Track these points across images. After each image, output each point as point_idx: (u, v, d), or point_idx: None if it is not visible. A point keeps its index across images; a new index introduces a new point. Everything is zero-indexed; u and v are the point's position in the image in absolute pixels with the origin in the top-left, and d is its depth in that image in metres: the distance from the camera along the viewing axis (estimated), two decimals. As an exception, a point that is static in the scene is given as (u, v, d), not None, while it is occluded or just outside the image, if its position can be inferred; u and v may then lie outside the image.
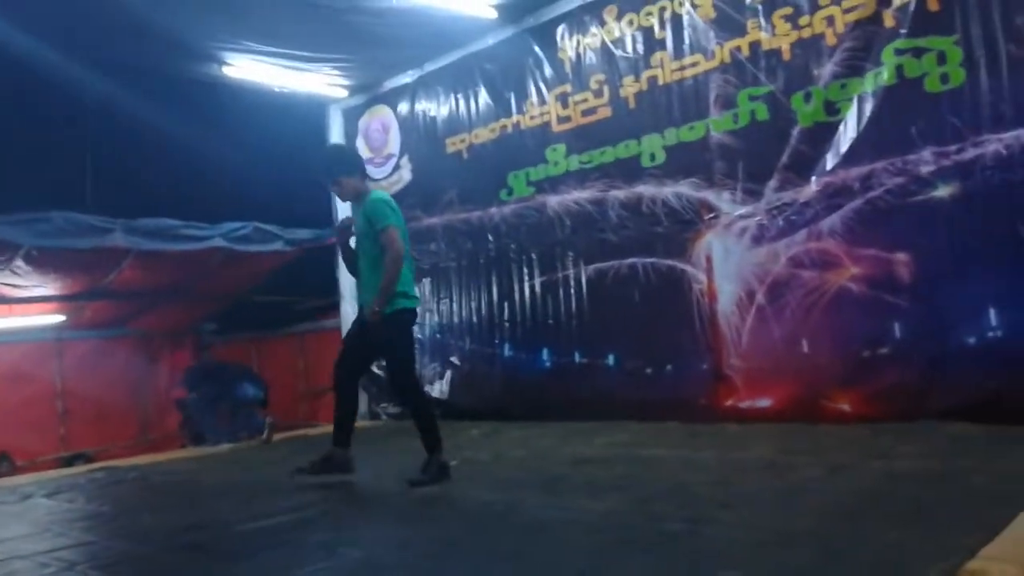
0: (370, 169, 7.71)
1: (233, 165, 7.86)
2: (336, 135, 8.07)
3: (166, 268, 7.89)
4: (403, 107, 7.43)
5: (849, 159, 4.74)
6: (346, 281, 7.95)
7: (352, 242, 4.19)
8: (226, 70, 6.77)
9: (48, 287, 7.76)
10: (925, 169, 4.45)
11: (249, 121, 7.67)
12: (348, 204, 4.34)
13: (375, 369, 7.29)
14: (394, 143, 7.51)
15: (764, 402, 5.02)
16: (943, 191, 4.40)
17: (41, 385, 8.63)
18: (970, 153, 4.32)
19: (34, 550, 3.20)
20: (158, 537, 3.35)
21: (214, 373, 7.69)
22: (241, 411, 6.93)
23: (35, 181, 6.87)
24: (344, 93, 7.79)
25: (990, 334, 4.22)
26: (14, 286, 7.46)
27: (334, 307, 8.23)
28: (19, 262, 6.95)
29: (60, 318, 8.51)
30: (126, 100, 7.36)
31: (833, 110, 4.82)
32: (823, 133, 4.85)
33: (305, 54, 6.72)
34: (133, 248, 7.19)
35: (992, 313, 4.22)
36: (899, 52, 4.55)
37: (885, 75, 4.61)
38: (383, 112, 7.63)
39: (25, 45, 5.81)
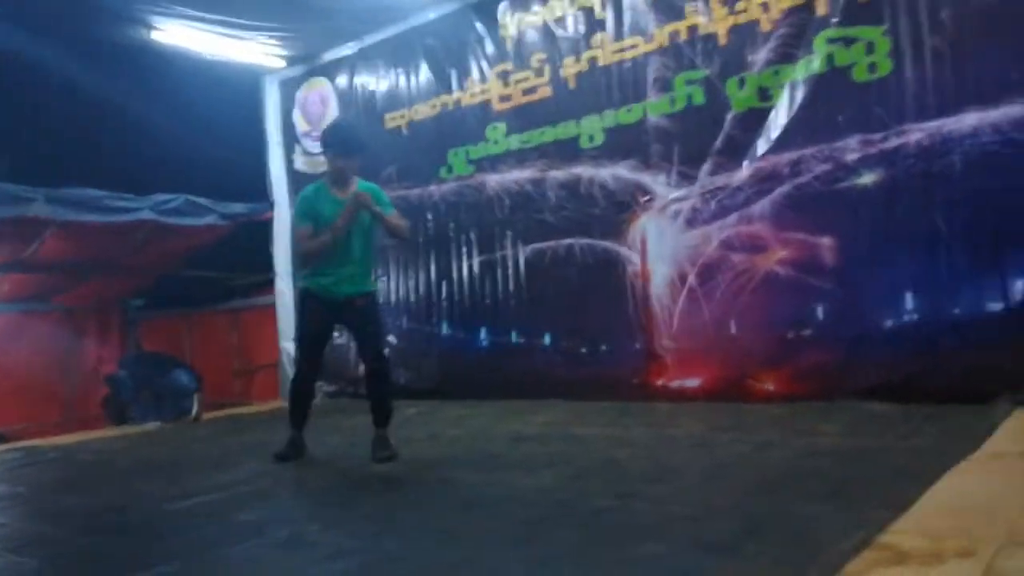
0: (307, 143, 7.57)
1: (163, 134, 7.60)
2: (272, 106, 7.86)
3: (91, 240, 7.59)
4: (342, 80, 7.27)
5: (779, 145, 4.84)
6: (282, 258, 7.80)
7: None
8: (155, 35, 6.50)
9: (-37, 259, 7.39)
10: (851, 157, 4.58)
11: (181, 89, 7.41)
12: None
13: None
14: (332, 116, 7.35)
15: (693, 382, 5.14)
16: (867, 178, 4.54)
17: (-44, 361, 8.24)
18: (894, 142, 4.46)
19: (-57, 532, 3.07)
20: (77, 518, 3.25)
21: (150, 360, 7.50)
22: (171, 396, 6.75)
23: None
24: (281, 64, 7.59)
25: (906, 317, 4.40)
26: (-75, 257, 7.09)
27: (269, 283, 8.07)
28: (-70, 232, 6.61)
29: (-25, 292, 8.13)
30: (49, 63, 7.01)
31: (766, 96, 4.91)
32: (755, 119, 4.94)
33: (240, 21, 6.50)
34: (56, 219, 6.88)
35: (908, 297, 4.40)
36: (830, 40, 4.66)
37: (816, 63, 4.72)
38: (321, 85, 7.46)
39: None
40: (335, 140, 4.09)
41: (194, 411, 6.51)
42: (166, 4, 6.08)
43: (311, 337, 4.19)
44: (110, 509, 3.31)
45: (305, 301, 4.19)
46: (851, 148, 4.58)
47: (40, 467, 4.72)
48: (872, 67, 4.54)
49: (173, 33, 6.55)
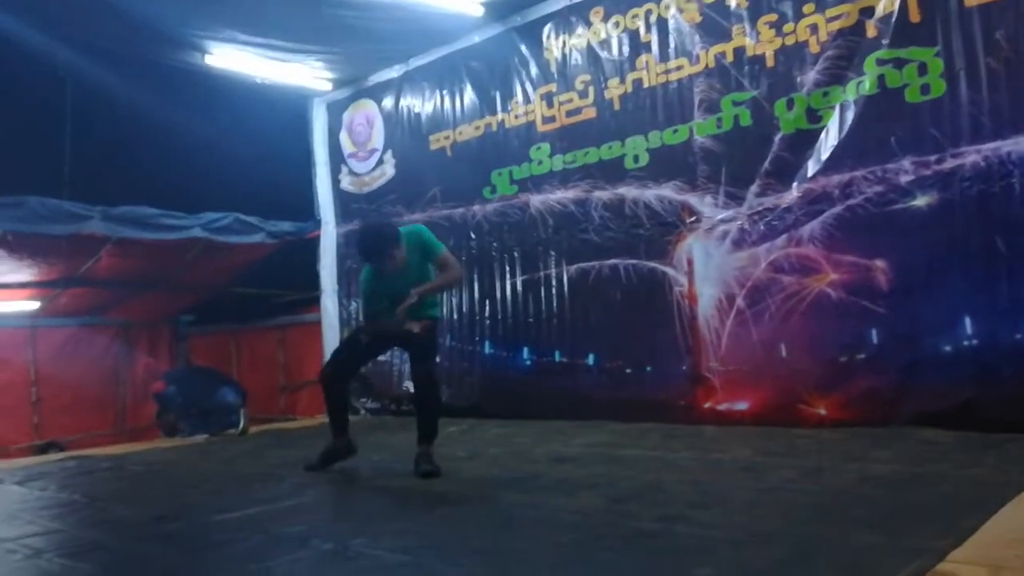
0: (353, 163, 7.71)
1: (214, 155, 7.80)
2: (319, 128, 8.04)
3: (144, 257, 7.80)
4: (388, 102, 7.40)
5: (830, 166, 4.79)
6: (327, 276, 7.93)
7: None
8: (208, 59, 6.71)
9: (23, 273, 7.64)
10: (904, 178, 4.51)
11: (232, 111, 7.62)
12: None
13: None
14: (378, 138, 7.49)
15: (742, 405, 5.06)
16: (921, 201, 4.46)
17: (15, 372, 8.49)
18: (949, 164, 4.37)
19: (1, 536, 3.16)
20: (129, 526, 3.32)
21: (196, 375, 7.61)
22: (218, 411, 6.86)
23: (12, 165, 6.76)
24: (328, 86, 7.76)
25: (964, 342, 4.28)
26: (-11, 271, 7.34)
27: (315, 301, 8.19)
28: (-7, 247, 6.85)
29: (35, 305, 8.39)
30: (107, 86, 7.28)
31: (815, 118, 4.86)
32: (805, 140, 4.90)
33: (290, 46, 6.69)
34: (111, 236, 7.09)
35: (967, 322, 4.28)
36: (881, 62, 4.61)
37: (867, 84, 4.67)
38: (367, 106, 7.61)
39: (3, 25, 5.73)
40: (358, 249, 4.09)
41: (240, 425, 6.61)
42: (219, 29, 6.29)
43: (350, 341, 4.33)
44: (160, 519, 3.37)
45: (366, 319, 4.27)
46: (904, 170, 4.50)
47: (94, 476, 4.83)
48: (925, 88, 4.47)
49: (225, 57, 6.75)
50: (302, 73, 7.38)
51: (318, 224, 7.98)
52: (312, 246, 8.05)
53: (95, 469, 5.06)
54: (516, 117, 6.41)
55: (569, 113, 6.07)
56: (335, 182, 7.89)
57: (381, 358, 6.35)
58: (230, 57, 6.76)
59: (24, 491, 4.38)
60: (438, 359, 6.77)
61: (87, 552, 2.88)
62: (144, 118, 7.62)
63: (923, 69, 4.47)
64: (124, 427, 9.03)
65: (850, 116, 4.74)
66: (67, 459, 5.67)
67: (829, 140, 4.81)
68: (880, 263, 4.58)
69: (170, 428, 7.04)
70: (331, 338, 7.80)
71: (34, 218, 6.48)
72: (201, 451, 5.80)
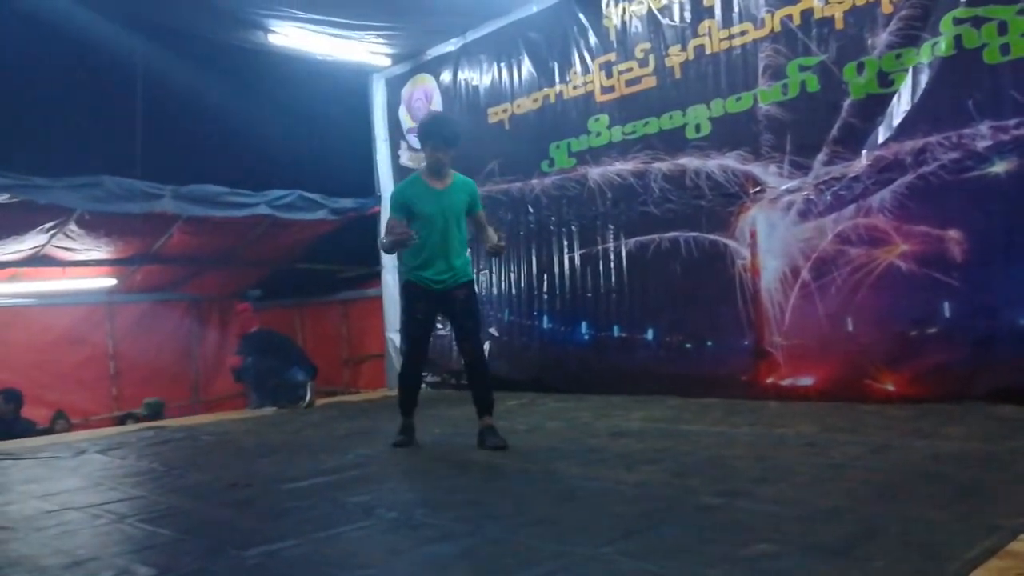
0: (412, 139, 7.75)
1: (278, 133, 7.95)
2: (379, 104, 8.10)
3: (213, 234, 8.05)
4: (445, 76, 7.41)
5: (902, 133, 4.61)
6: (387, 251, 8.03)
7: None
8: (271, 38, 6.82)
9: (100, 251, 7.97)
10: (981, 144, 4.31)
11: (294, 89, 7.75)
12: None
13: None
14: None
15: (806, 380, 4.96)
16: (999, 167, 4.26)
17: (94, 346, 8.92)
18: (1030, 128, 4.16)
19: (87, 502, 3.34)
20: (204, 493, 3.46)
21: (271, 346, 7.70)
22: (288, 385, 7.04)
23: (87, 146, 7.02)
24: (387, 62, 7.80)
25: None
26: (68, 249, 7.68)
27: (376, 276, 8.31)
28: (72, 226, 7.15)
29: (112, 282, 8.75)
30: (175, 66, 7.47)
31: (887, 81, 4.67)
32: (876, 105, 4.72)
33: (349, 22, 6.74)
34: (182, 214, 7.32)
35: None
36: (958, 21, 4.39)
37: (943, 45, 4.45)
38: (426, 81, 7.63)
39: (76, 9, 5.92)
40: (435, 132, 4.11)
41: (307, 398, 6.79)
42: (281, 7, 6.37)
43: (417, 328, 4.27)
44: (233, 486, 3.50)
45: (408, 294, 4.29)
46: (981, 135, 4.30)
47: (170, 445, 5.05)
48: (1004, 48, 4.25)
49: (287, 35, 6.84)
50: (361, 49, 7.43)
51: (378, 200, 8.08)
52: (373, 222, 8.16)
53: (171, 439, 5.28)
54: (574, 88, 6.34)
55: (628, 83, 5.97)
56: (394, 158, 7.96)
57: (440, 332, 6.43)
58: (291, 35, 6.86)
59: (106, 459, 4.60)
60: (496, 332, 6.89)
61: (166, 517, 3.01)
62: (210, 97, 7.80)
63: (1003, 28, 4.24)
64: (197, 399, 9.39)
65: (924, 79, 4.54)
66: (144, 429, 5.93)
67: (901, 105, 4.62)
68: (954, 233, 4.40)
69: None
70: (392, 313, 7.92)
71: (110, 197, 6.74)
72: (269, 423, 5.99)
